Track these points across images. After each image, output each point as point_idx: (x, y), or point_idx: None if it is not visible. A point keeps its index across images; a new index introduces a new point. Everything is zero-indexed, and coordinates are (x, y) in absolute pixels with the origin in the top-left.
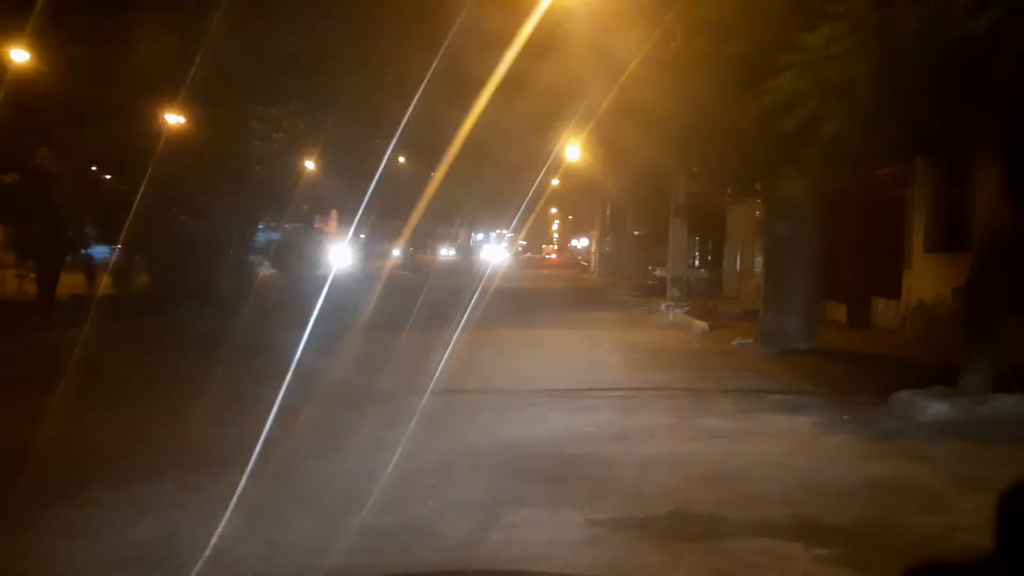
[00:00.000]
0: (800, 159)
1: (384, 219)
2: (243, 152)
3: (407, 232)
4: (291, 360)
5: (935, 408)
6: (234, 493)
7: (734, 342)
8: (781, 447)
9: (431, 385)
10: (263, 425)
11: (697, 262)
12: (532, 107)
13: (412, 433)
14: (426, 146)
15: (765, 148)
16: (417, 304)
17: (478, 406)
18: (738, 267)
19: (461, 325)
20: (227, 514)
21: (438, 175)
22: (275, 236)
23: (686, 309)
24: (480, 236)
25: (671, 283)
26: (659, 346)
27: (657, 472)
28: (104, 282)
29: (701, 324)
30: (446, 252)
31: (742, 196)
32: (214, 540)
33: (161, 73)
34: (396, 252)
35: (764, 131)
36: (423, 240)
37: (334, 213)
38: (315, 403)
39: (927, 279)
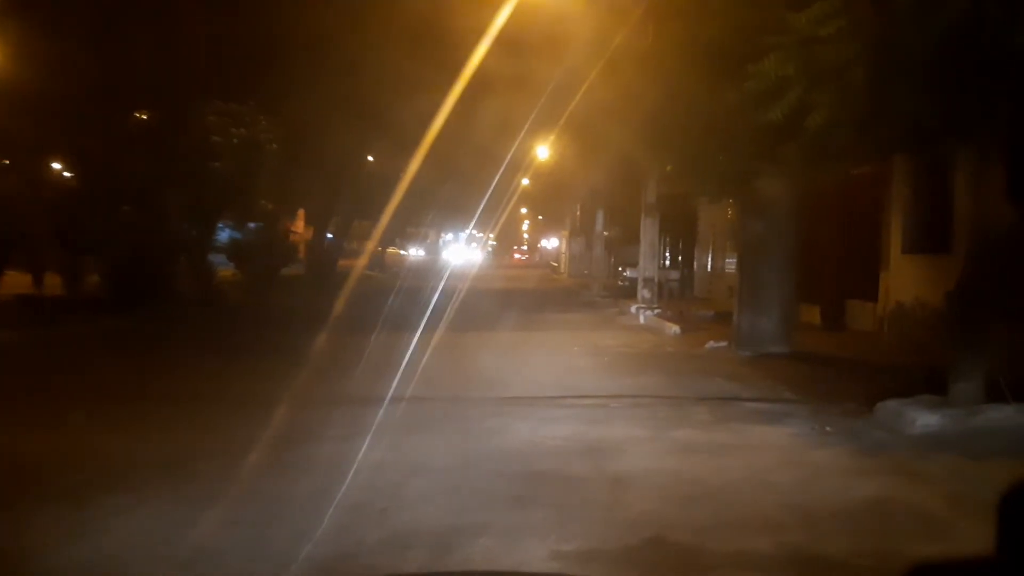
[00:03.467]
0: (782, 155)
1: (352, 218)
2: (200, 147)
3: (376, 232)
4: (243, 365)
5: (925, 419)
6: (162, 517)
7: (707, 345)
8: (763, 463)
9: (391, 392)
10: (202, 439)
11: (668, 262)
12: (502, 105)
13: (367, 448)
14: (395, 145)
15: (744, 142)
16: (383, 305)
17: (440, 416)
18: (709, 268)
19: (428, 328)
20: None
21: (407, 174)
22: (238, 235)
23: (657, 311)
24: (450, 236)
25: (642, 284)
26: (630, 350)
27: (630, 492)
28: (53, 282)
29: (673, 327)
30: (415, 252)
31: (718, 195)
32: None
33: (114, 66)
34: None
35: (744, 123)
36: (393, 240)
37: (301, 212)
38: (265, 412)
39: (905, 281)
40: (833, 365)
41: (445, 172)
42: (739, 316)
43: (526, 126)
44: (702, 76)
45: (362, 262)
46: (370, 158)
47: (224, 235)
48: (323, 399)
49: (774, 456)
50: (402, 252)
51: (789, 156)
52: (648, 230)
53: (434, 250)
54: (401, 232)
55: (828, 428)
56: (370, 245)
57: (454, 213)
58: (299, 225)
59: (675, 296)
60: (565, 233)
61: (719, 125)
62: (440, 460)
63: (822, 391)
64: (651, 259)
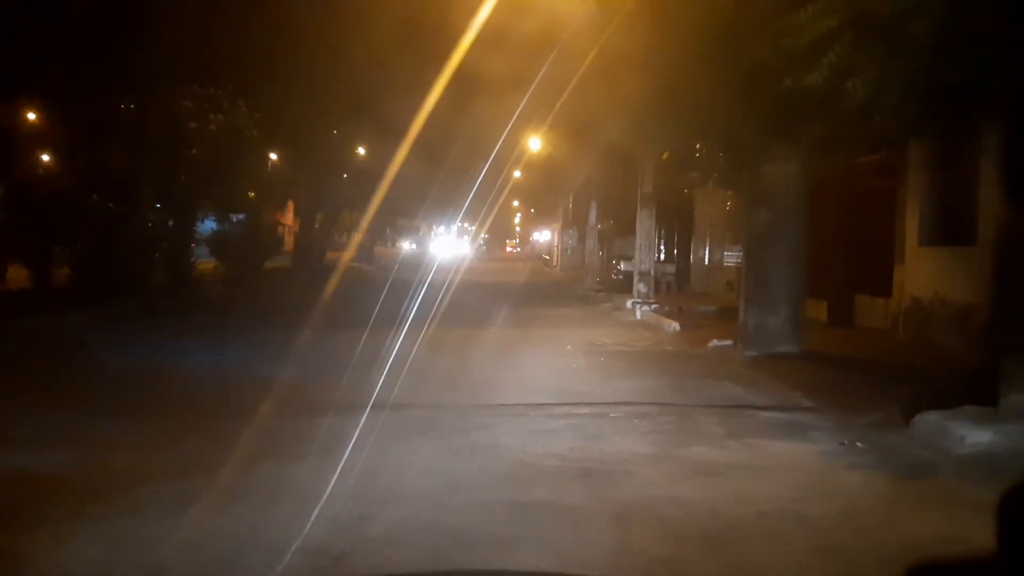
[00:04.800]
0: (810, 131)
1: (340, 210)
2: (175, 133)
3: (365, 224)
4: (206, 365)
5: (976, 437)
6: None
7: (711, 344)
8: (789, 489)
9: (370, 399)
10: (143, 457)
11: (663, 255)
12: (493, 95)
13: (331, 471)
14: (383, 135)
15: (764, 116)
16: (368, 300)
17: (421, 428)
18: (707, 261)
19: (414, 324)
20: None
21: (396, 165)
22: (220, 226)
23: (654, 306)
24: (442, 229)
25: (638, 278)
26: (627, 348)
27: (637, 530)
28: (19, 275)
29: (672, 323)
30: (407, 245)
31: (725, 180)
32: None
33: (82, 46)
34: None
35: (766, 92)
36: (383, 232)
37: (290, 204)
38: (222, 422)
39: (922, 275)
40: (849, 366)
41: (436, 164)
42: (745, 313)
43: (516, 116)
44: (717, 39)
45: (350, 255)
46: (360, 150)
47: (206, 227)
48: (293, 406)
49: (801, 480)
50: (393, 245)
51: (819, 131)
52: (644, 222)
53: (425, 243)
54: (392, 224)
55: (859, 444)
56: (358, 237)
57: (445, 206)
58: (288, 217)
59: (671, 290)
60: (557, 226)
61: (724, 102)
62: (416, 486)
63: (842, 397)
64: (647, 252)
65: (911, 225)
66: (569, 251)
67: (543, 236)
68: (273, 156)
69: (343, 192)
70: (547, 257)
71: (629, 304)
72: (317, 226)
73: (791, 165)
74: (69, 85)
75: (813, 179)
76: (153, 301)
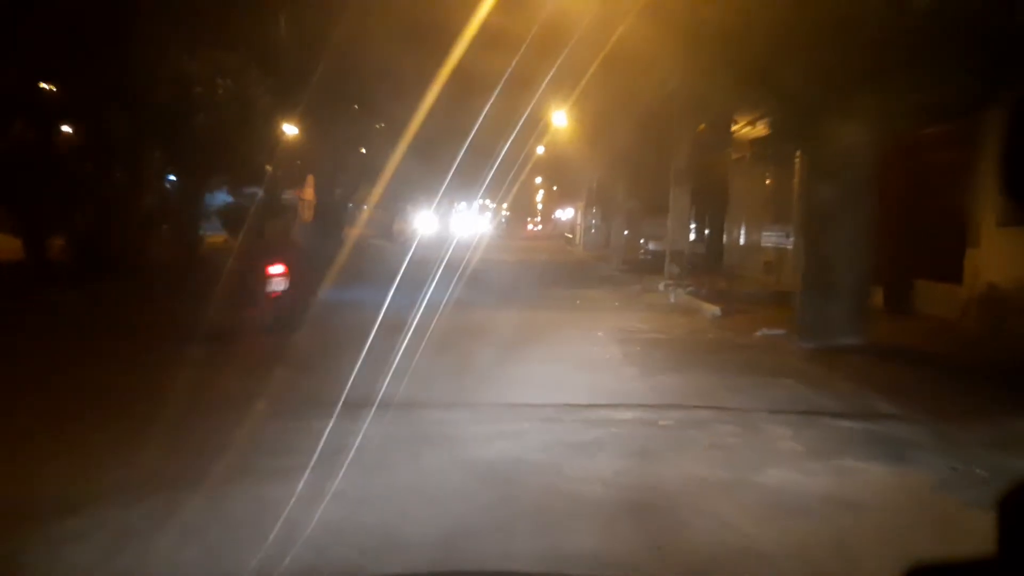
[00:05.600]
0: (889, 80)
1: (358, 184)
2: (180, 99)
3: (385, 200)
4: (196, 350)
5: None
6: None
7: (759, 332)
8: (908, 539)
9: (374, 395)
10: (91, 470)
11: (692, 235)
12: (520, 67)
13: (317, 498)
14: (405, 109)
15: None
16: (388, 278)
17: (429, 438)
18: (742, 240)
19: (431, 305)
20: None
21: (418, 141)
22: (232, 199)
23: (690, 289)
24: (463, 206)
25: (670, 259)
26: (666, 335)
27: None
28: (13, 246)
29: (711, 308)
30: (428, 221)
31: (776, 155)
32: None
33: (77, 4)
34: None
35: (851, 34)
36: (404, 208)
37: (310, 179)
38: (198, 423)
39: (1001, 259)
40: (926, 363)
41: (458, 140)
42: (803, 299)
43: (544, 88)
44: None
45: (367, 231)
46: (380, 125)
47: (219, 200)
48: (287, 403)
49: (918, 522)
50: (413, 221)
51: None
52: (678, 199)
53: (446, 220)
54: (414, 200)
55: (978, 471)
56: (367, 213)
57: (467, 183)
58: (308, 192)
59: (702, 271)
60: (580, 204)
61: (821, 36)
62: (422, 524)
63: (932, 404)
64: (681, 231)
65: (988, 203)
66: (593, 230)
67: (565, 214)
68: (290, 128)
69: (362, 167)
70: (570, 236)
71: (661, 286)
72: (335, 196)
73: (860, 133)
74: (63, 45)
75: (889, 146)
76: (156, 277)
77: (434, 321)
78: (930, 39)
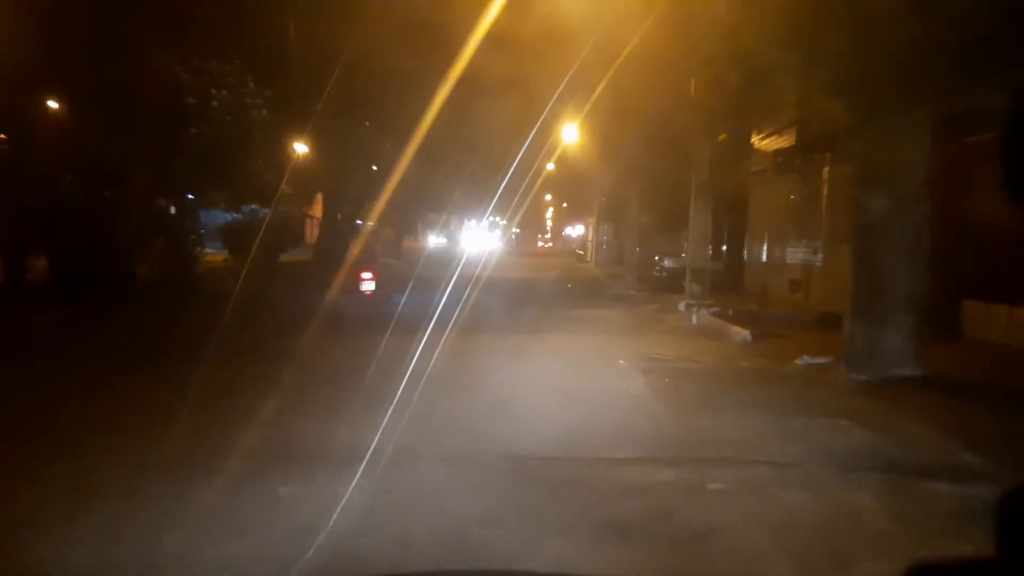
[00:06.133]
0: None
1: (364, 200)
2: (171, 110)
3: (394, 217)
4: (166, 381)
5: None
6: None
7: (799, 361)
8: None
9: (364, 447)
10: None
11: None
12: (529, 81)
13: None
14: (413, 124)
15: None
16: (388, 298)
17: (423, 511)
18: (764, 257)
19: (436, 329)
20: None
21: (427, 156)
22: (234, 216)
23: (714, 309)
24: (472, 223)
25: (691, 277)
26: (695, 364)
27: None
28: None
29: (741, 331)
30: (436, 239)
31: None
32: None
33: (64, 10)
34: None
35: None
36: (413, 226)
37: (319, 196)
38: (136, 484)
39: None
40: (1000, 400)
41: (467, 157)
42: (851, 324)
43: (554, 101)
44: None
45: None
46: (387, 144)
47: (221, 218)
48: (250, 460)
49: None
50: (423, 239)
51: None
52: (698, 214)
53: (456, 237)
54: (423, 218)
55: None
56: (387, 231)
57: (476, 199)
58: (316, 209)
59: (722, 290)
60: (591, 220)
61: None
62: None
63: None
64: (702, 247)
65: None
66: (604, 246)
67: (576, 231)
68: (295, 144)
69: (369, 184)
70: (580, 252)
71: (682, 306)
72: (339, 217)
73: (919, 134)
74: (49, 51)
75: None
76: (145, 298)
77: (436, 353)
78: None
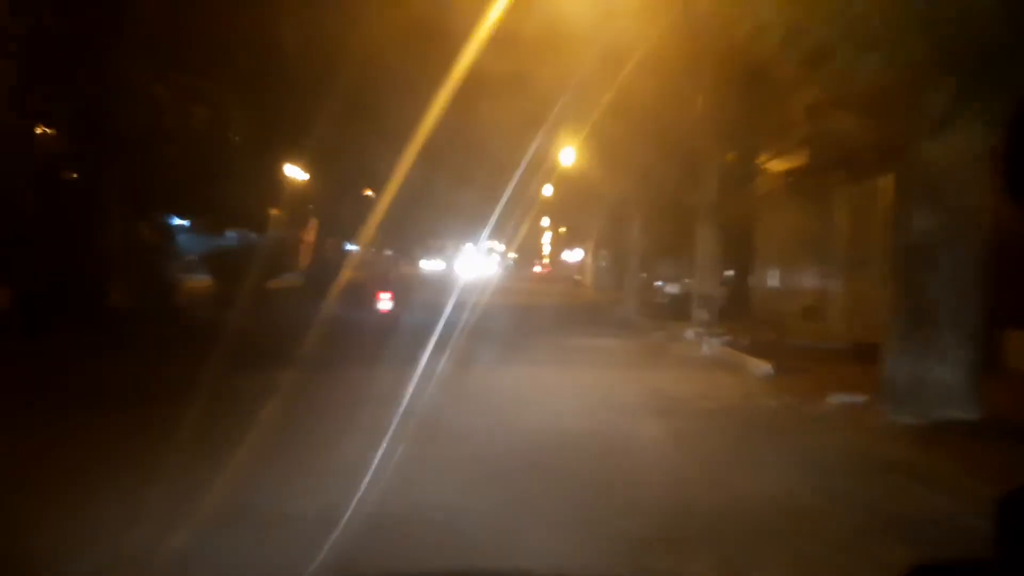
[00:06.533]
0: None
1: (357, 226)
2: (146, 128)
3: (388, 242)
4: (109, 434)
5: None
6: None
7: (832, 399)
8: None
9: (346, 515)
10: None
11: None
12: (525, 102)
13: None
14: (407, 150)
15: None
16: (379, 325)
17: None
18: (776, 283)
19: (432, 361)
20: None
21: (421, 181)
22: (222, 242)
23: (726, 339)
24: (469, 248)
25: (699, 303)
26: (714, 402)
27: None
28: None
29: (759, 364)
30: (433, 264)
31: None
32: None
33: (31, 20)
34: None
35: None
36: (410, 251)
37: (313, 221)
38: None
39: None
40: None
41: (463, 182)
42: (892, 358)
43: (553, 121)
44: None
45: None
46: (378, 161)
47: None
48: (216, 522)
49: None
50: (419, 264)
51: None
52: (706, 237)
53: (452, 262)
54: (421, 244)
55: None
56: (380, 257)
57: (473, 225)
58: (310, 234)
59: (730, 317)
60: (589, 244)
61: None
62: None
63: None
64: (710, 272)
65: None
66: (603, 271)
67: (574, 255)
68: (285, 166)
69: (362, 209)
70: (579, 277)
71: (690, 335)
72: (328, 243)
73: (987, 137)
74: (15, 65)
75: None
76: (114, 330)
77: (425, 392)
78: None
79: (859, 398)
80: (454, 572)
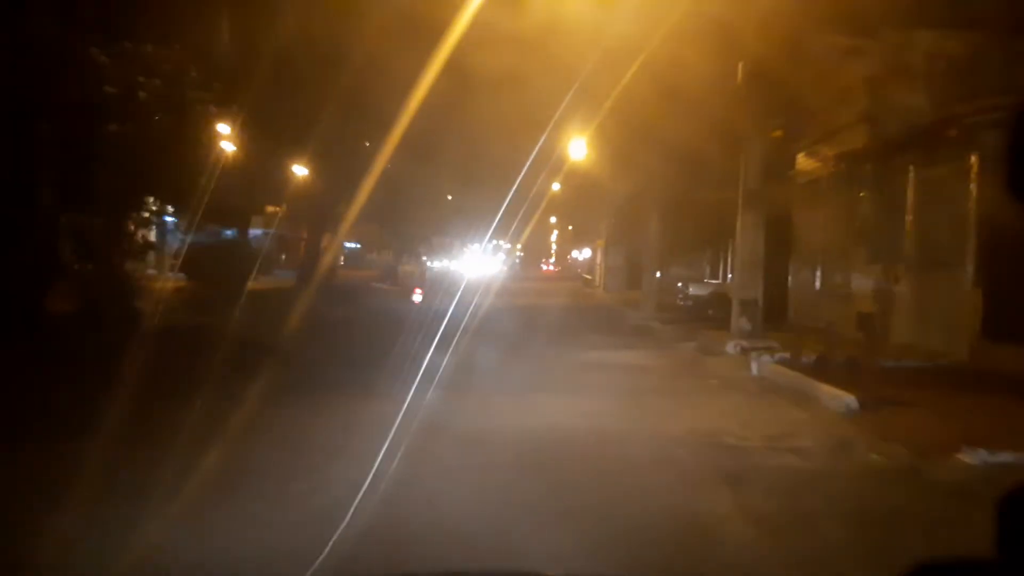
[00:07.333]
0: None
1: (353, 224)
2: (85, 101)
3: (389, 240)
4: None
5: None
6: None
7: (969, 457)
8: None
9: None
10: None
11: (731, 274)
12: (533, 87)
13: None
14: (408, 141)
15: None
16: (375, 336)
17: None
18: (818, 285)
19: (423, 384)
20: None
21: (423, 176)
22: (198, 238)
23: (779, 355)
24: (475, 246)
25: (739, 309)
26: (795, 457)
27: None
28: None
29: (838, 394)
30: (438, 263)
31: None
32: None
33: None
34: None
35: None
36: (415, 249)
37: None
38: None
39: None
40: None
41: (468, 179)
42: None
43: (562, 109)
44: None
45: (373, 273)
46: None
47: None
48: None
49: None
50: (421, 263)
51: None
52: (748, 230)
53: (457, 261)
54: (426, 242)
55: None
56: (382, 254)
57: (479, 223)
58: (303, 230)
59: (768, 325)
60: (600, 242)
61: None
62: None
63: None
64: (752, 272)
65: None
66: (615, 270)
67: (583, 254)
68: (281, 162)
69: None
70: (588, 277)
71: (731, 347)
72: (324, 240)
73: None
74: None
75: None
76: (39, 341)
77: (412, 426)
78: None
79: (1007, 456)
80: (454, 572)
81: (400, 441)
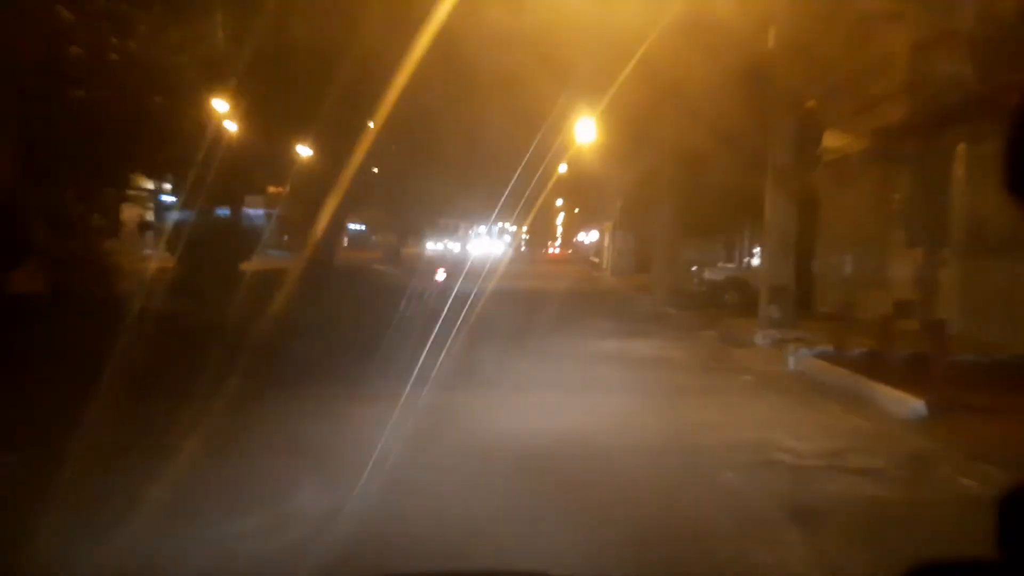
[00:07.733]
0: None
1: (363, 206)
2: (45, 61)
3: (393, 222)
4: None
5: None
6: None
7: None
8: None
9: None
10: None
11: (755, 259)
12: (541, 67)
13: None
14: (414, 124)
15: None
16: (372, 325)
17: None
18: (848, 270)
19: (420, 380)
20: None
21: (429, 158)
22: (188, 216)
23: (819, 348)
24: (480, 229)
25: (768, 296)
26: (866, 481)
27: None
28: None
29: (901, 397)
30: (443, 245)
31: None
32: None
33: None
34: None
35: None
36: (419, 231)
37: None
38: None
39: None
40: None
41: (472, 158)
42: None
43: (571, 87)
44: None
45: (376, 255)
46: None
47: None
48: None
49: None
50: (426, 245)
51: None
52: (778, 210)
53: (462, 243)
54: (431, 223)
55: None
56: (385, 236)
57: (485, 204)
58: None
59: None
60: (608, 225)
61: None
62: None
63: None
64: (782, 255)
65: None
66: (624, 253)
67: (590, 237)
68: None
69: (361, 185)
70: (596, 260)
71: (760, 339)
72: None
73: None
74: None
75: None
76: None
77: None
78: None
79: None
80: (454, 572)
81: (385, 458)
